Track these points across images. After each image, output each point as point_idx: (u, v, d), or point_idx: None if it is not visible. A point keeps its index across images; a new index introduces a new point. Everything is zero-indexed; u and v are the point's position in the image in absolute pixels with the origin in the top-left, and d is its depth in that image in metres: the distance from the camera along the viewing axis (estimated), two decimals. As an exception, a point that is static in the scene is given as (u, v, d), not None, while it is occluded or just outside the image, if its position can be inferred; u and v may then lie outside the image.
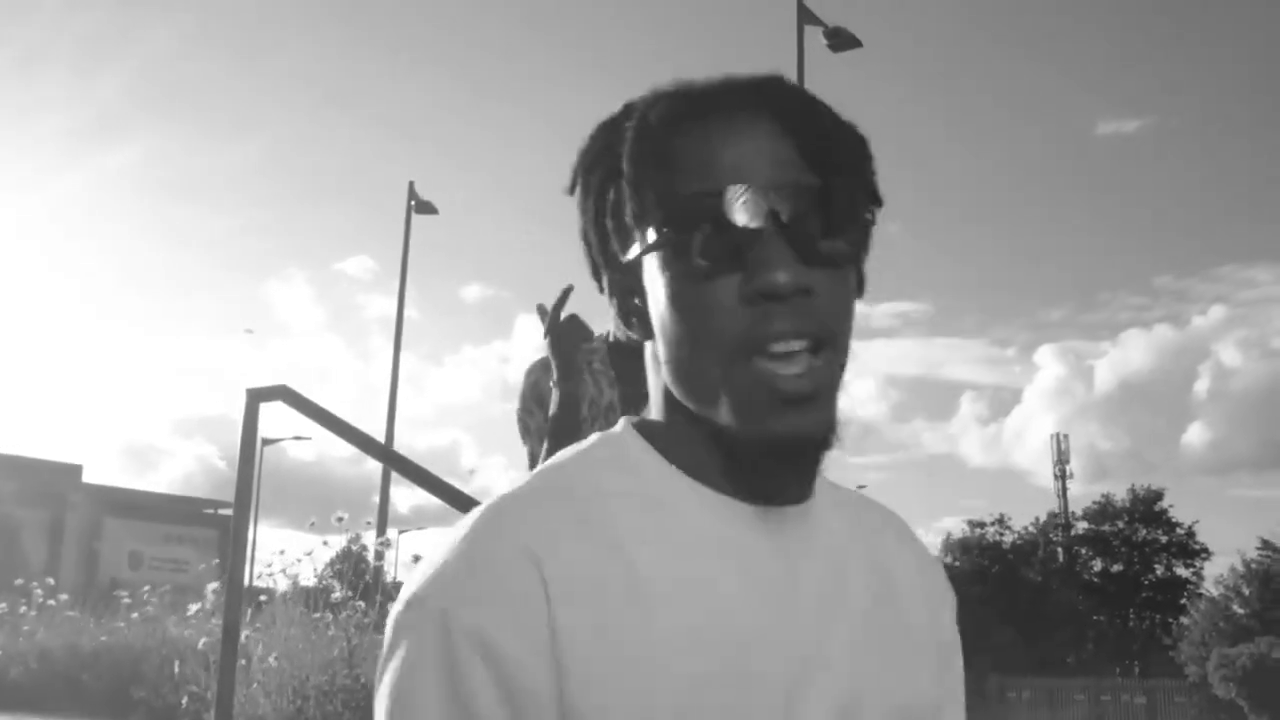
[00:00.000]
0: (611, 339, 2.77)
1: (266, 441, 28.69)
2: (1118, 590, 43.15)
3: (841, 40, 17.40)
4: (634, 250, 0.83)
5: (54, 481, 33.89)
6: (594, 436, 0.88)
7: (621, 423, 0.89)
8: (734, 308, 0.78)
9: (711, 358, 0.79)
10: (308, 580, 9.51)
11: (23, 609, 12.66)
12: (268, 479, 32.51)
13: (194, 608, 10.90)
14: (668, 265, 0.80)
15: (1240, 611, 30.74)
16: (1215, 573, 35.44)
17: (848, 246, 0.81)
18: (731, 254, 0.78)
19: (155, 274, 72.02)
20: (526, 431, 2.79)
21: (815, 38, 17.34)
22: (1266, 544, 32.96)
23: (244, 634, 6.92)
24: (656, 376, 0.86)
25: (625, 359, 2.72)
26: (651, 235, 0.80)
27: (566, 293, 2.54)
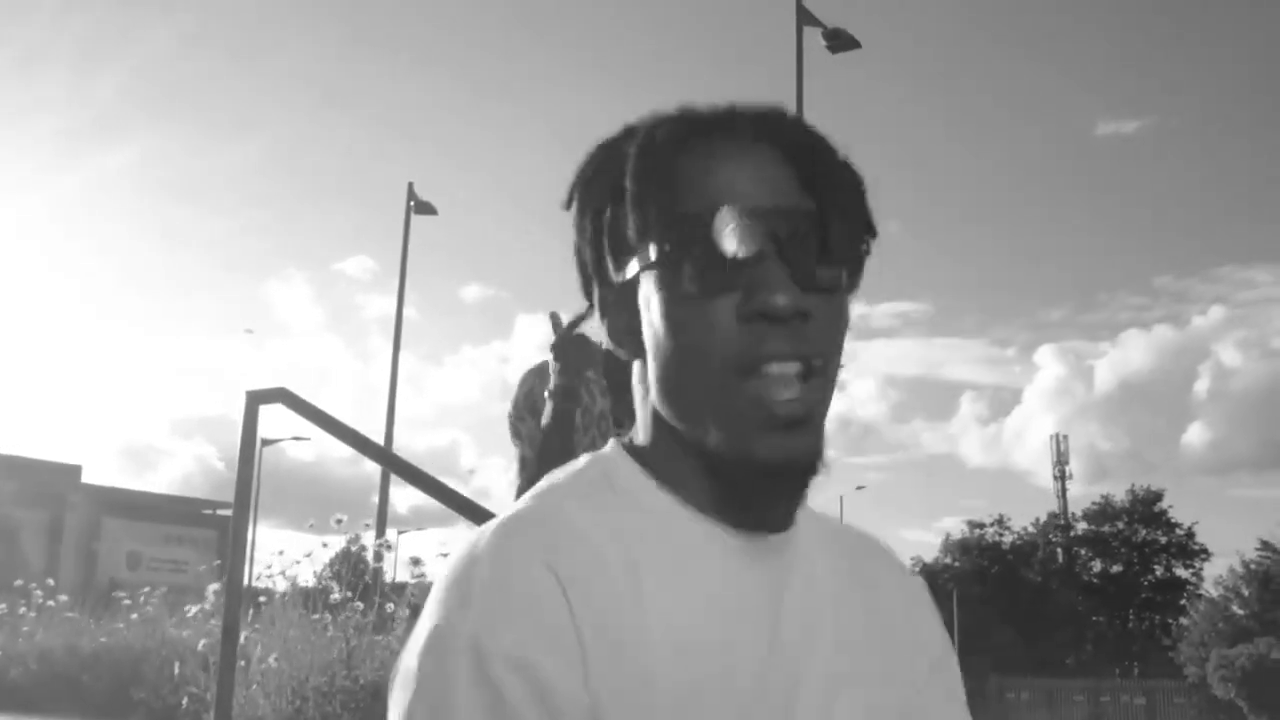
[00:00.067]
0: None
1: (266, 442, 28.63)
2: (1117, 591, 43.16)
3: (841, 41, 17.42)
4: (631, 268, 0.83)
5: (53, 482, 33.80)
6: (584, 458, 0.89)
7: (611, 444, 0.90)
8: (730, 327, 0.79)
9: (704, 376, 0.80)
10: (307, 581, 9.52)
11: (22, 610, 12.64)
12: (267, 480, 32.49)
13: (193, 609, 10.89)
14: (664, 283, 0.81)
15: (1239, 612, 30.76)
16: (1215, 573, 35.49)
17: (843, 274, 0.82)
18: (730, 274, 0.78)
19: (155, 274, 72.25)
20: (517, 435, 2.82)
21: (814, 39, 17.39)
22: (1266, 545, 32.98)
23: (243, 635, 6.90)
24: (644, 398, 0.87)
25: (619, 370, 2.72)
26: (651, 253, 0.81)
27: (582, 317, 2.52)
